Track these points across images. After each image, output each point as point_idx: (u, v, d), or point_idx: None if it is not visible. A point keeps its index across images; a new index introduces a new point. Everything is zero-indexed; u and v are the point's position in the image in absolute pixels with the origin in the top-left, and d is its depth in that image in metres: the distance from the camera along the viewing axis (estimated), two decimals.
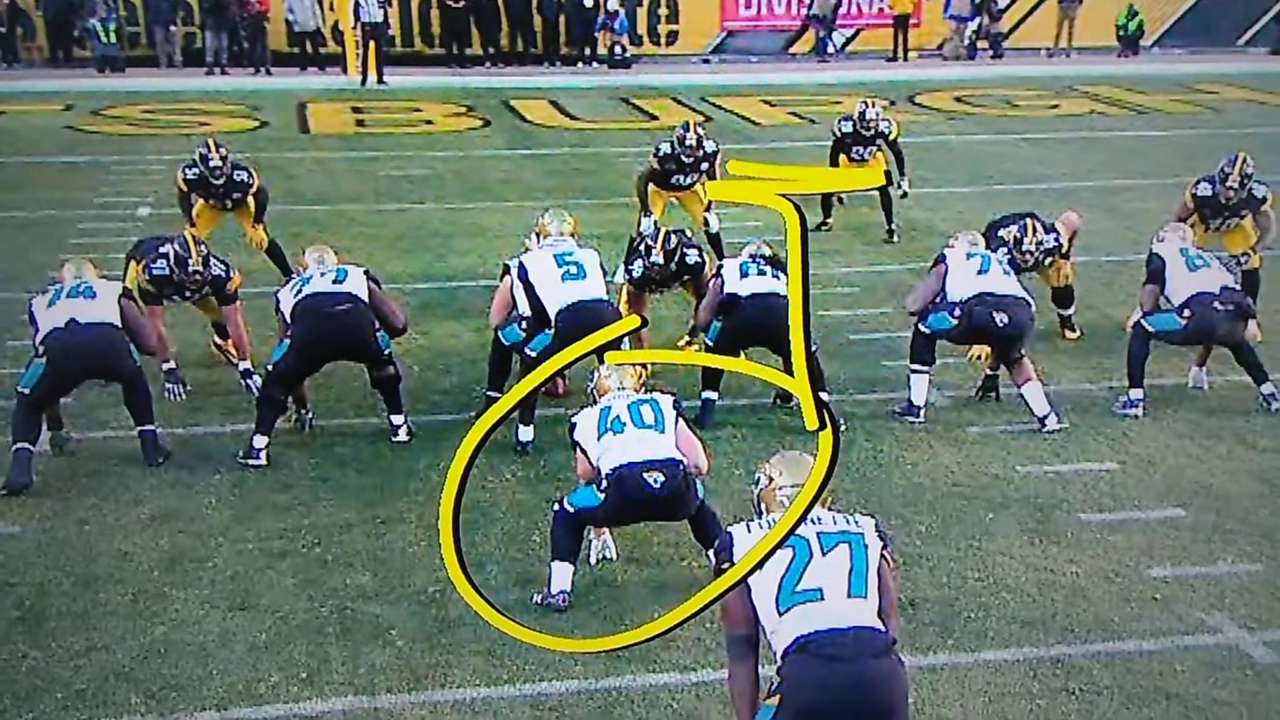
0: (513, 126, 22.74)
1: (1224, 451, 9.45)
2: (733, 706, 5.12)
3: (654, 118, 23.34)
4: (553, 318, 9.21)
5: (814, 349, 9.60)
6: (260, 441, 8.97)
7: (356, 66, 27.42)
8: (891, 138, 15.29)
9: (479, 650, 6.83)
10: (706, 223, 13.33)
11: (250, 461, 8.90)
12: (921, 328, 9.90)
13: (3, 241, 14.52)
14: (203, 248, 10.16)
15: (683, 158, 13.45)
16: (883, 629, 4.83)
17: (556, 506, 7.32)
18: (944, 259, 9.94)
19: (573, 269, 9.43)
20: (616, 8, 30.27)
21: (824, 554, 4.89)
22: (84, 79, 27.21)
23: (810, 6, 31.79)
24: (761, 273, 9.76)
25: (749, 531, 5.02)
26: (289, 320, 9.07)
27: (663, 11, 32.17)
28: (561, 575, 7.23)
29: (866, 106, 15.24)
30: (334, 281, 9.15)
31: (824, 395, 9.70)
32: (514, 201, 16.58)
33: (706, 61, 31.83)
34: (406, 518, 8.34)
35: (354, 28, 27.15)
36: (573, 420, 7.47)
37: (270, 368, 9.10)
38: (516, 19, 30.59)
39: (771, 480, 5.33)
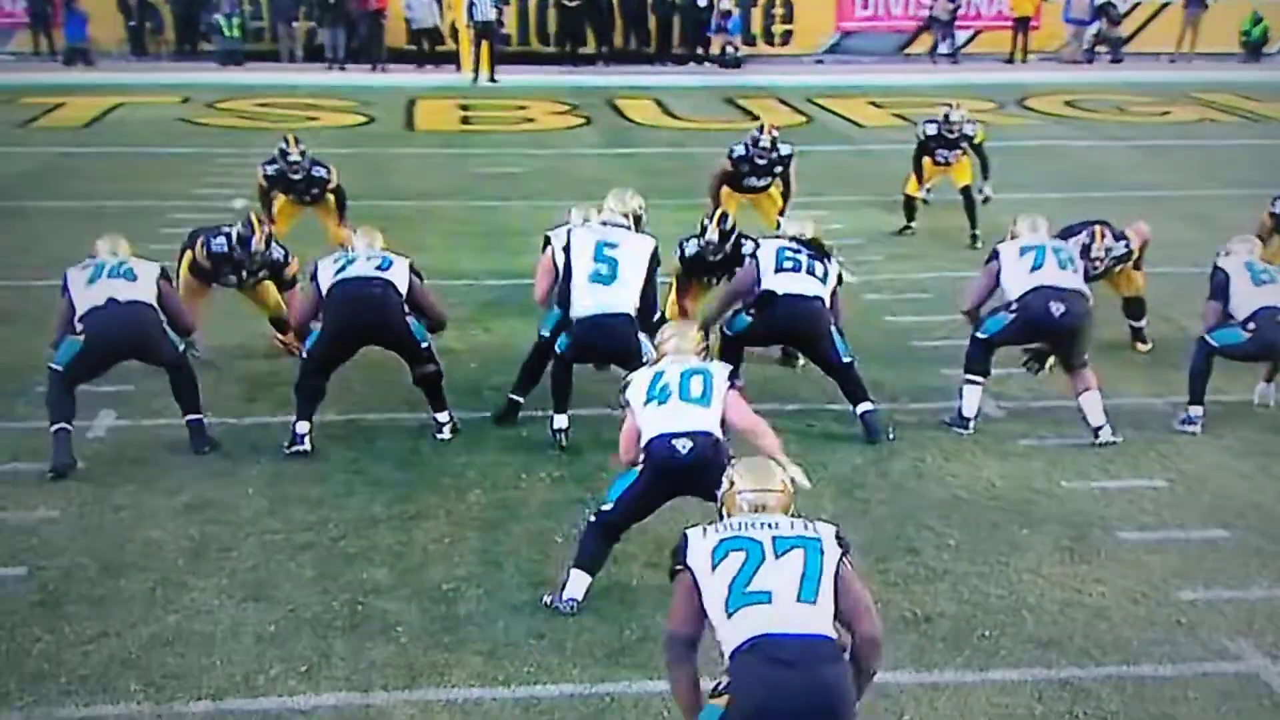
0: (613, 125, 22.77)
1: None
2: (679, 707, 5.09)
3: (755, 118, 23.04)
4: (573, 321, 9.12)
5: (849, 360, 9.45)
6: (302, 427, 9.02)
7: (470, 64, 27.51)
8: (976, 141, 15.17)
9: (481, 650, 6.78)
10: (779, 225, 13.16)
11: (295, 448, 8.93)
12: (979, 334, 9.66)
13: (98, 229, 14.64)
14: (266, 228, 10.27)
15: (756, 159, 13.43)
16: (832, 636, 4.80)
17: (592, 517, 7.26)
18: (997, 255, 9.69)
19: (604, 269, 9.12)
20: (730, 8, 30.17)
21: (777, 557, 4.85)
22: (205, 72, 27.70)
23: (931, 8, 31.30)
24: (797, 266, 9.46)
25: (704, 535, 4.98)
26: (321, 295, 9.04)
27: (778, 12, 32.00)
28: (578, 583, 7.17)
29: (951, 109, 15.11)
30: (377, 268, 9.12)
31: (868, 405, 9.52)
32: (600, 200, 16.47)
33: (820, 62, 31.52)
34: (435, 514, 8.33)
35: (468, 26, 27.31)
36: (628, 379, 7.41)
37: (305, 354, 9.11)
38: (631, 18, 30.61)
39: (733, 484, 5.23)
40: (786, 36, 32.08)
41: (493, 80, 26.90)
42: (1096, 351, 9.89)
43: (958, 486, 8.88)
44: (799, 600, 4.78)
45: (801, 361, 10.52)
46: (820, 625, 4.78)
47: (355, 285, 8.97)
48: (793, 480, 5.58)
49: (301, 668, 6.64)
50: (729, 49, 30.20)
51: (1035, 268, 9.52)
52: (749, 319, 9.58)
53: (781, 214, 13.28)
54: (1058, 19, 31.54)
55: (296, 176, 12.84)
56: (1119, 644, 7.00)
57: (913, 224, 15.23)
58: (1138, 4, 32.23)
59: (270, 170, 12.96)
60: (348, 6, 28.76)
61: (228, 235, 10.12)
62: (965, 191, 15.06)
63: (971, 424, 9.68)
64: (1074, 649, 6.95)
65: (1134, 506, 8.62)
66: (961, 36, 31.95)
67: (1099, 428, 9.47)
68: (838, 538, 5.00)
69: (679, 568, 4.95)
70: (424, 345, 9.21)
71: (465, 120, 22.95)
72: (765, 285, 9.44)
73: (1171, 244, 12.52)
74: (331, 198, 13.17)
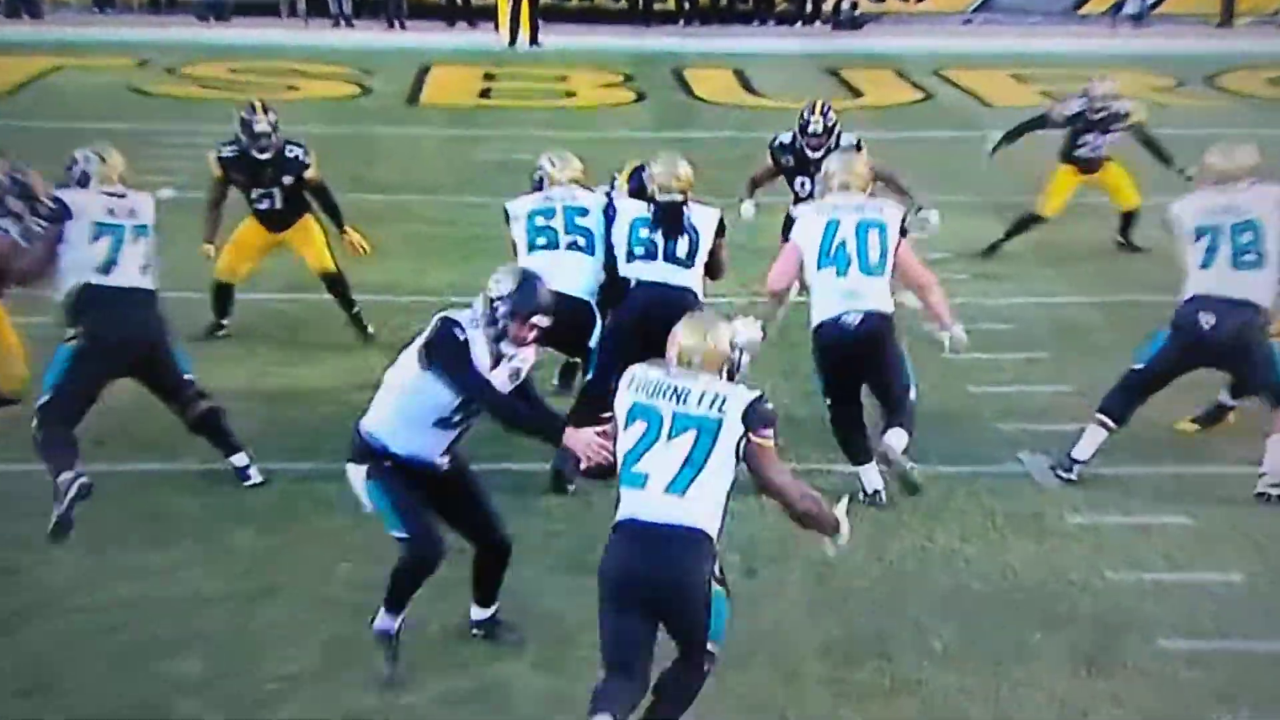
0: (672, 103, 22.96)
1: None
2: None
3: (858, 94, 23.22)
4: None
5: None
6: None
7: (507, 23, 27.77)
8: (1132, 121, 14.95)
9: None
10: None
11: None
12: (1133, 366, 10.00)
13: None
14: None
15: (807, 150, 12.88)
16: (695, 527, 6.20)
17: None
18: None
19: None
20: None
21: (669, 439, 6.19)
22: (178, 28, 28.14)
23: None
24: (652, 250, 9.90)
25: (630, 384, 6.44)
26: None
27: None
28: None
29: (1095, 82, 14.99)
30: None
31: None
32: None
33: (968, 22, 31.42)
34: (286, 591, 8.47)
35: None
36: (793, 213, 8.98)
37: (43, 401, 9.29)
38: None
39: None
40: None
41: (534, 43, 27.16)
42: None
43: (969, 574, 8.87)
44: (667, 491, 6.17)
45: None
46: (684, 517, 6.17)
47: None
48: (736, 338, 6.49)
49: None
50: (846, 4, 30.09)
51: (1204, 265, 9.77)
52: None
53: None
54: None
55: (264, 156, 12.13)
56: None
57: (1009, 240, 15.17)
58: None
59: (227, 152, 12.26)
60: None
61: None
62: (1129, 218, 15.03)
63: (1077, 469, 9.95)
64: None
65: (1193, 607, 8.52)
66: None
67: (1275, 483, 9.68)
68: (749, 410, 6.16)
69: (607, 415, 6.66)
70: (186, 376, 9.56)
71: (485, 94, 23.21)
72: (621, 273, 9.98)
73: None
74: (309, 218, 12.59)
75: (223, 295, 12.49)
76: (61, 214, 9.23)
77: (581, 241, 9.91)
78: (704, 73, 24.71)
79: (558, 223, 9.90)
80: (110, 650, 7.85)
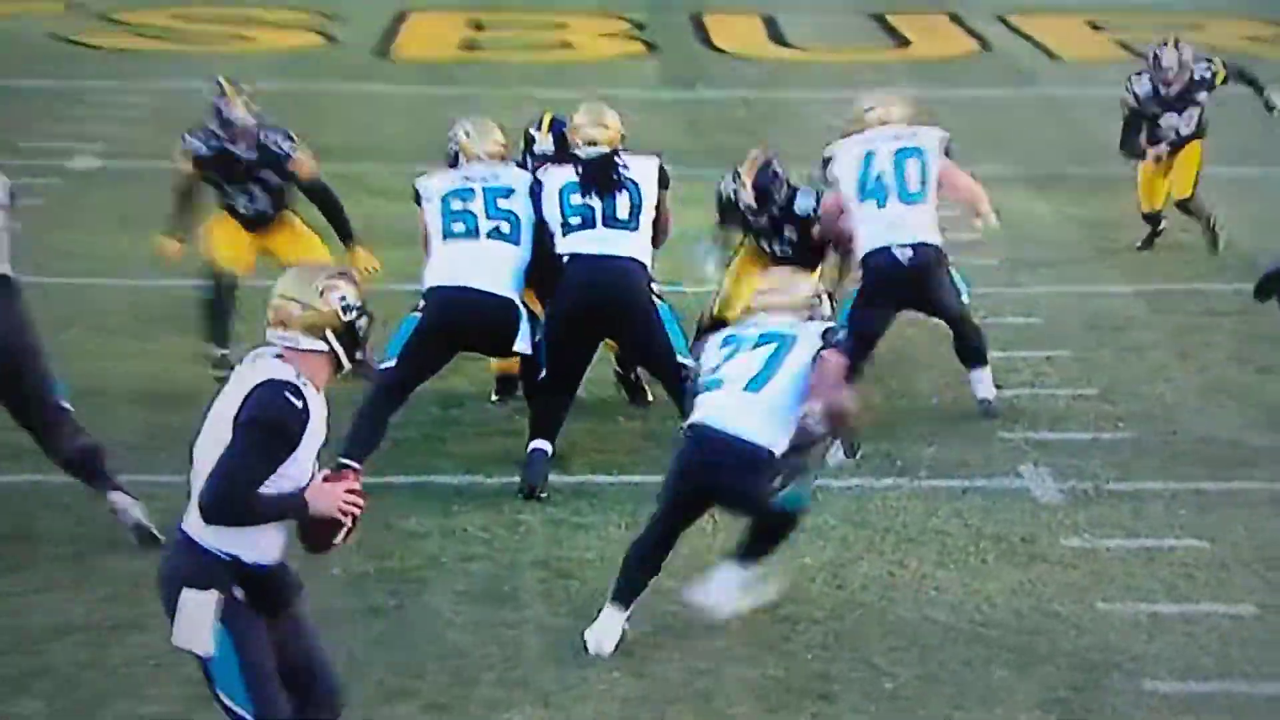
0: (686, 55, 23.10)
1: None
2: None
3: (905, 43, 23.32)
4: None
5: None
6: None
7: None
8: (1218, 82, 14.67)
9: None
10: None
11: None
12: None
13: None
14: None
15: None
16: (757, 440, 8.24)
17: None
18: None
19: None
20: None
21: (752, 349, 8.31)
22: None
23: None
24: (589, 217, 10.12)
25: None
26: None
27: None
28: None
29: (1164, 46, 14.53)
30: None
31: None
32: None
33: None
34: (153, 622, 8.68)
35: None
36: (830, 152, 10.56)
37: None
38: None
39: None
40: None
41: None
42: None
43: (936, 605, 8.98)
44: (744, 390, 8.23)
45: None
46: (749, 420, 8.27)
47: None
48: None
49: None
50: None
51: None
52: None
53: None
54: None
55: (242, 151, 11.72)
56: None
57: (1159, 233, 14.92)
58: None
59: (200, 147, 11.74)
60: None
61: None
62: (1184, 207, 14.67)
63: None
64: None
65: (1190, 644, 8.63)
66: None
67: None
68: (826, 332, 8.46)
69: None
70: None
71: (470, 45, 23.30)
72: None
73: None
74: (287, 213, 12.28)
75: (227, 296, 11.81)
76: None
77: (505, 228, 9.99)
78: (729, 19, 24.81)
79: (477, 206, 9.98)
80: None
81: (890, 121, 11.01)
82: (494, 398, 11.20)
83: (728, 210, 11.28)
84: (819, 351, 8.28)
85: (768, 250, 11.00)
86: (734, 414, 8.21)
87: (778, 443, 8.25)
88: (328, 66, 21.42)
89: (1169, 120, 14.24)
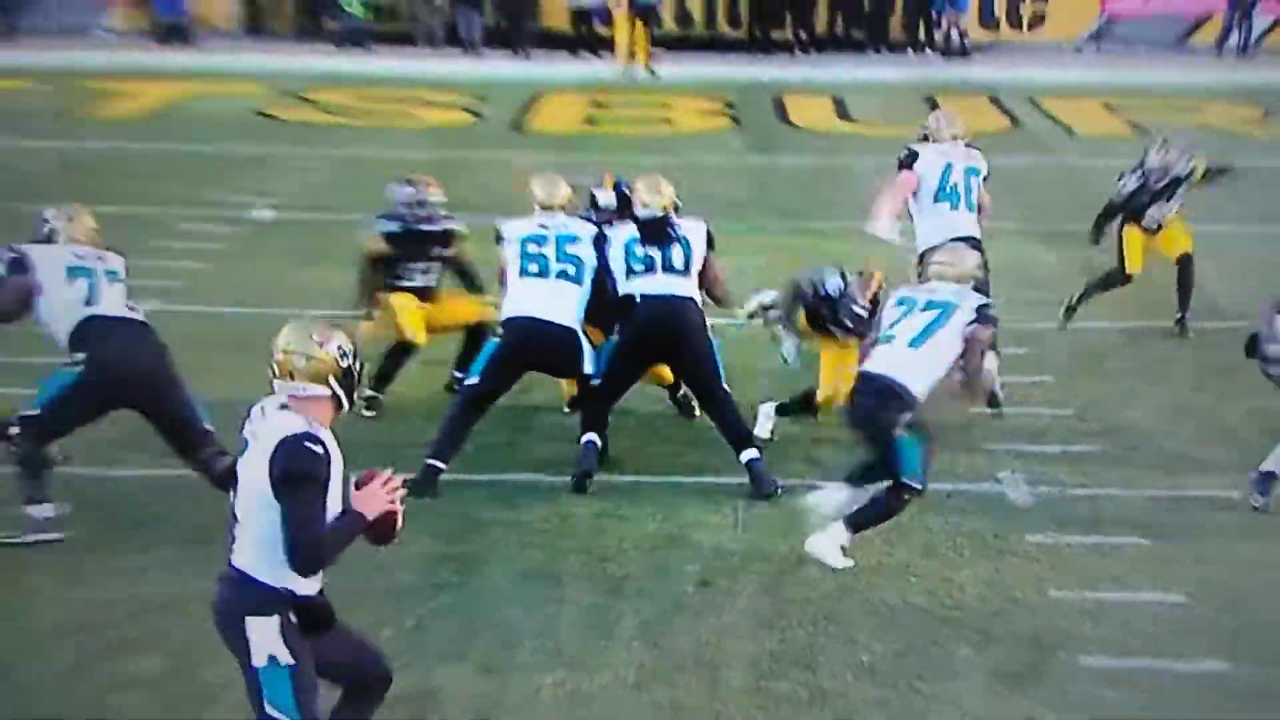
0: (765, 128, 22.90)
1: None
2: None
3: (965, 143, 22.96)
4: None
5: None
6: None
7: (624, 52, 27.84)
8: (1196, 180, 13.39)
9: None
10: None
11: None
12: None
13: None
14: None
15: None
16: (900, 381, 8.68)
17: None
18: None
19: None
20: None
21: (921, 312, 8.74)
22: (317, 56, 28.38)
23: None
24: (650, 264, 10.08)
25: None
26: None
27: None
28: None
29: (1151, 149, 13.39)
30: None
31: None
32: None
33: (1079, 51, 30.92)
34: None
35: (622, 7, 27.71)
36: (915, 148, 11.39)
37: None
38: None
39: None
40: (1038, 20, 31.48)
41: (650, 72, 27.20)
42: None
43: (915, 589, 8.74)
44: (908, 346, 8.64)
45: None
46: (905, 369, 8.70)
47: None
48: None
49: None
50: (954, 32, 29.73)
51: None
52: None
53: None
54: None
55: (428, 228, 11.22)
56: None
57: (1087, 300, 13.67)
58: None
59: (393, 227, 11.17)
60: None
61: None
62: (1184, 263, 13.36)
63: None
64: None
65: (1127, 627, 8.35)
66: (1259, 26, 30.77)
67: None
68: (981, 307, 8.78)
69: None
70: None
71: (590, 120, 23.19)
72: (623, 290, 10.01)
73: None
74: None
75: (402, 358, 11.29)
76: (19, 266, 9.07)
77: (571, 270, 9.83)
78: (804, 100, 24.63)
79: (549, 250, 9.83)
80: (70, 649, 7.91)
81: (959, 137, 11.73)
82: (565, 409, 10.87)
83: (805, 303, 10.65)
84: (972, 324, 8.64)
85: (838, 334, 10.58)
86: (896, 364, 8.63)
87: (921, 392, 8.62)
88: (473, 139, 21.42)
89: (1153, 212, 13.25)
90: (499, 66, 27.60)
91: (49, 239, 9.32)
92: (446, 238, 11.28)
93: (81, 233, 9.41)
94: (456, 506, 9.58)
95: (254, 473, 5.72)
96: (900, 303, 8.88)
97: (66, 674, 7.74)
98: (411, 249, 11.11)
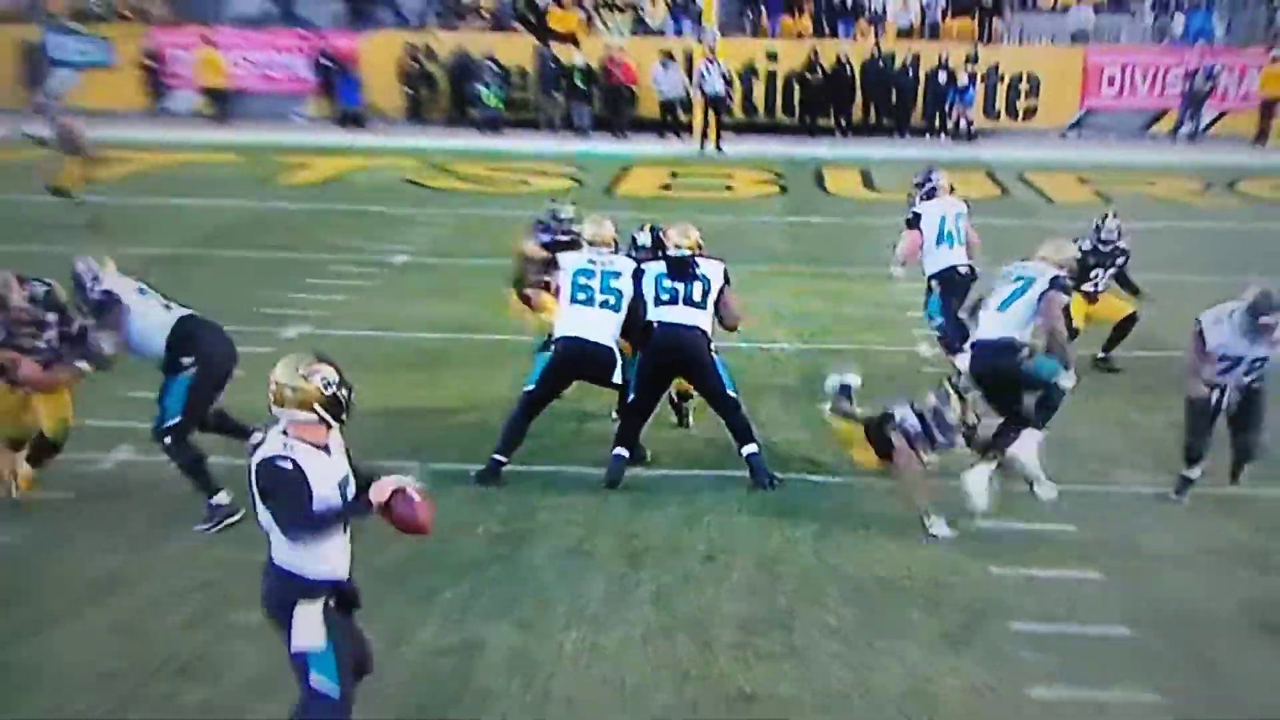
0: (806, 194, 22.61)
1: (1238, 574, 8.41)
2: None
3: (952, 190, 22.57)
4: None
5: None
6: None
7: (699, 134, 27.75)
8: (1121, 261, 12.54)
9: None
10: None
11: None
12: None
13: (263, 280, 15.30)
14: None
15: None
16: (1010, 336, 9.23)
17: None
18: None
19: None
20: (966, 83, 29.45)
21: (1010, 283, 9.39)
22: (459, 137, 28.35)
23: (1193, 80, 29.54)
24: (674, 296, 9.87)
25: None
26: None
27: (1023, 87, 30.92)
28: None
29: (1106, 219, 12.56)
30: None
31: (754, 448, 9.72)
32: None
33: (1063, 137, 30.39)
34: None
35: (699, 98, 27.62)
36: (918, 209, 11.98)
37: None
38: (872, 93, 30.20)
39: None
40: (1031, 112, 30.97)
41: (719, 149, 27.02)
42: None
43: (882, 565, 8.58)
44: (998, 310, 9.32)
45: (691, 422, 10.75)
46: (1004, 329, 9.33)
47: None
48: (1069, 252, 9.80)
49: None
50: (962, 122, 29.43)
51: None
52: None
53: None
54: None
55: (567, 239, 11.05)
56: None
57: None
58: None
59: (545, 238, 11.09)
60: (601, 81, 29.30)
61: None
62: (1129, 319, 12.56)
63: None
64: None
65: (1049, 597, 8.15)
66: (1206, 118, 30.18)
67: None
68: (1054, 278, 9.20)
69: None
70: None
71: (666, 187, 23.01)
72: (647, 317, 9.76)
73: None
74: None
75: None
76: (115, 300, 8.74)
77: (611, 300, 9.68)
78: (839, 172, 24.32)
79: (595, 283, 9.68)
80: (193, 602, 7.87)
81: (948, 191, 12.36)
82: (613, 416, 10.58)
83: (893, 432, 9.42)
84: (1046, 290, 9.12)
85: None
86: (990, 327, 9.33)
87: (1020, 338, 9.23)
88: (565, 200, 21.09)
89: (1095, 273, 12.41)
90: (600, 145, 27.38)
91: (98, 279, 8.88)
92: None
93: (114, 273, 9.07)
94: (515, 494, 9.47)
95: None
96: (1004, 275, 9.55)
97: (188, 623, 7.64)
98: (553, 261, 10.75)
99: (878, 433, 9.04)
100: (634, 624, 7.66)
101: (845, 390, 9.47)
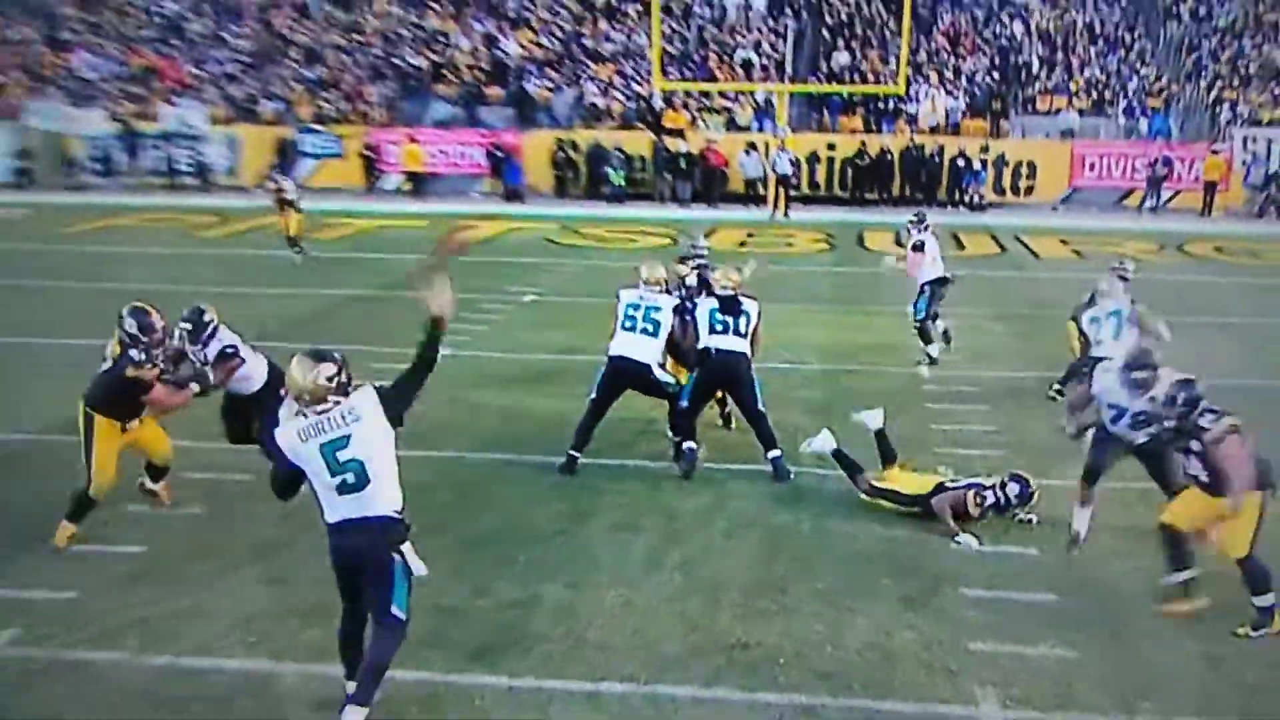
0: (848, 250, 21.90)
1: (1148, 555, 7.64)
2: None
3: (962, 246, 21.89)
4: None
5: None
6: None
7: (771, 205, 27.22)
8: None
9: None
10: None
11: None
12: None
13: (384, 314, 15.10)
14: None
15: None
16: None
17: None
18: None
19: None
20: (979, 167, 28.59)
21: None
22: (594, 208, 28.09)
23: (1154, 167, 28.38)
24: (726, 328, 9.38)
25: None
26: None
27: (1024, 171, 29.97)
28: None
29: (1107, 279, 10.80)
30: None
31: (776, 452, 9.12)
32: (777, 303, 15.74)
33: (1055, 209, 29.30)
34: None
35: (772, 177, 27.11)
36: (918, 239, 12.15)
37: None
38: (907, 174, 29.45)
39: None
40: (1029, 190, 29.97)
41: (785, 217, 26.49)
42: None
43: (866, 538, 8.09)
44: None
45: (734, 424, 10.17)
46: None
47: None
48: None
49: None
50: (975, 196, 28.57)
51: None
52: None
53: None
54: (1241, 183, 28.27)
55: (702, 259, 10.80)
56: (882, 682, 6.13)
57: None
58: None
59: (692, 264, 10.58)
60: (700, 164, 28.97)
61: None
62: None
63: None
64: (841, 683, 6.13)
65: (997, 567, 7.59)
66: (1165, 195, 28.98)
67: None
68: None
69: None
70: None
71: (742, 244, 22.48)
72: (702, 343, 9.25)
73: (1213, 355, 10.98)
74: None
75: None
76: (236, 350, 8.27)
77: (650, 329, 9.19)
78: (875, 234, 23.46)
79: (639, 315, 9.23)
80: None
81: (932, 232, 12.97)
82: (668, 434, 10.09)
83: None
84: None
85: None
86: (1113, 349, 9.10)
87: None
88: (669, 254, 20.61)
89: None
90: (695, 212, 26.95)
91: (216, 330, 8.30)
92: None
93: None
94: (585, 481, 9.08)
95: (372, 433, 5.22)
96: (1093, 320, 10.01)
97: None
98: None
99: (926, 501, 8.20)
100: (661, 586, 7.26)
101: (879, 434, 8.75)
